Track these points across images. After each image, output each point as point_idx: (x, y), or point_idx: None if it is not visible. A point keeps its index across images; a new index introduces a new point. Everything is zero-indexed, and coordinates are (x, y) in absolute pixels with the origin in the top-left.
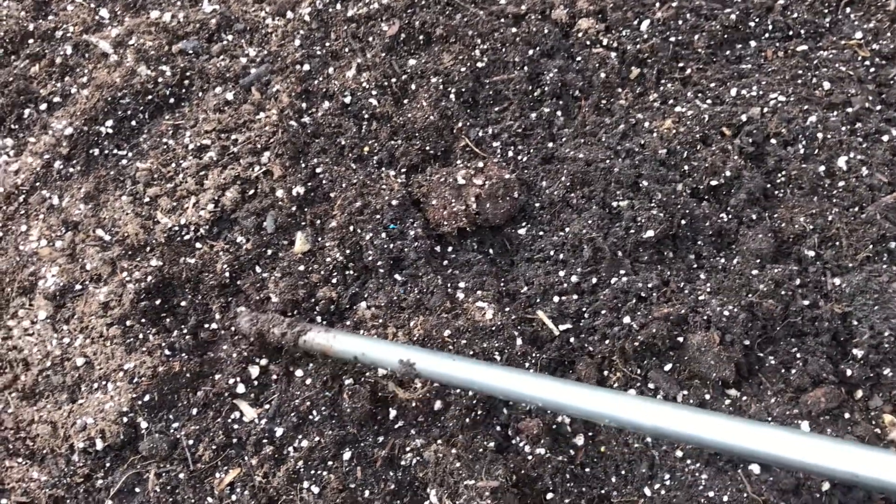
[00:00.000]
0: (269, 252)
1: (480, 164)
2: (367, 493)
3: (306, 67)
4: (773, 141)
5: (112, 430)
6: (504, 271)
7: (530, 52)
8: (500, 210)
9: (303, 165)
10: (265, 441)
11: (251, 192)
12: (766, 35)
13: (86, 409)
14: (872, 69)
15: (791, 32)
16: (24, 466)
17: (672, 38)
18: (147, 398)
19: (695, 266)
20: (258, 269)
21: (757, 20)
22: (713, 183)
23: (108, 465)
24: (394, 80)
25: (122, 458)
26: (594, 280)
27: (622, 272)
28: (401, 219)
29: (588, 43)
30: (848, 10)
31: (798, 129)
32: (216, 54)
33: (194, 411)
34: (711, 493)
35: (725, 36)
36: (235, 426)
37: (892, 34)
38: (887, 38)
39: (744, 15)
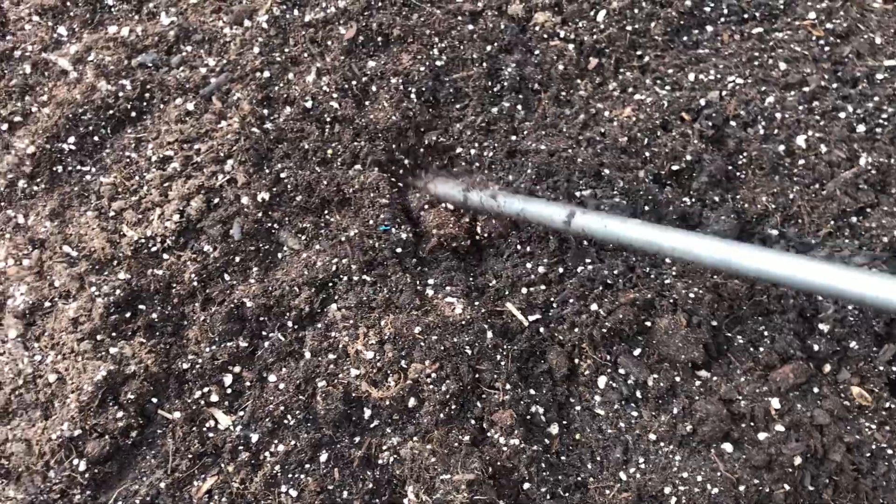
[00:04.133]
0: (237, 259)
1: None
2: (345, 493)
3: (266, 74)
4: (732, 123)
5: (91, 446)
6: (472, 266)
7: (488, 48)
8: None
9: (267, 171)
10: (241, 447)
11: (216, 200)
12: (722, 19)
13: (60, 425)
14: (827, 48)
15: (746, 15)
16: (0, 485)
17: (629, 27)
18: None
19: None
20: (227, 277)
21: (712, 5)
22: (675, 168)
23: (86, 478)
24: (354, 82)
25: (102, 472)
26: (561, 270)
27: (588, 260)
28: (392, 221)
29: (545, 36)
30: None
31: (756, 111)
32: (176, 66)
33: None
34: (685, 474)
35: (682, 22)
36: (211, 434)
37: (844, 13)
38: (840, 17)
39: (699, 0)
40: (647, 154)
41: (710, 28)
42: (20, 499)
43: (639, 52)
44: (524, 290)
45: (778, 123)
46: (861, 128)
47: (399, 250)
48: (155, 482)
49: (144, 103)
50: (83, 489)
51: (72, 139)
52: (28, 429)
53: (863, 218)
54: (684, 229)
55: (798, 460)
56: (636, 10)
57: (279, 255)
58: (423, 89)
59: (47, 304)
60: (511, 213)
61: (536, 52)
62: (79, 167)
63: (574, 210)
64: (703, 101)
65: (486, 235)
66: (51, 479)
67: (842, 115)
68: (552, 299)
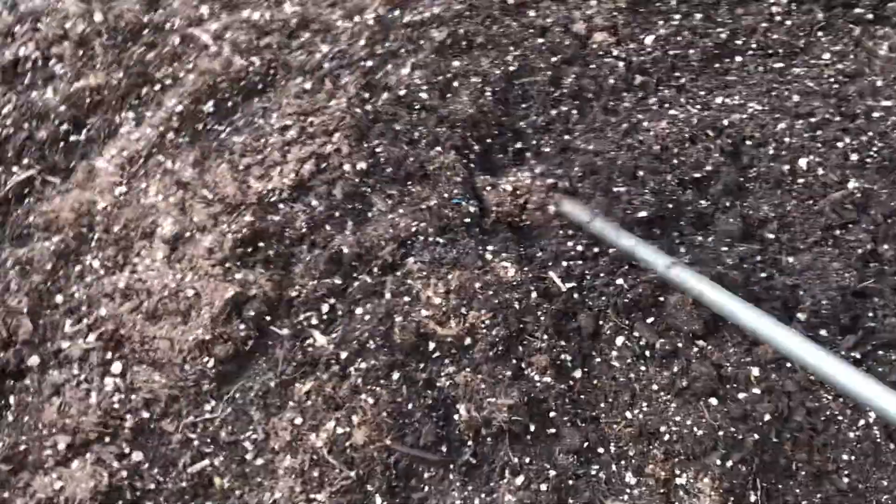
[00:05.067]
0: (337, 214)
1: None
2: (410, 405)
3: (370, 63)
4: (748, 142)
5: (218, 349)
6: (524, 239)
7: (553, 59)
8: None
9: (365, 145)
10: (332, 361)
11: (324, 165)
12: (750, 52)
13: (195, 330)
14: (836, 85)
15: (770, 51)
16: (148, 371)
17: (671, 52)
18: None
19: (677, 242)
20: (328, 227)
21: (743, 39)
22: (696, 175)
23: (213, 373)
24: (440, 77)
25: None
26: (596, 250)
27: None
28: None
29: (601, 53)
30: (820, 33)
31: (769, 134)
32: (295, 49)
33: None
34: (678, 418)
35: (715, 51)
36: (310, 349)
37: (854, 56)
38: (850, 60)
39: (732, 34)
40: (675, 161)
41: (738, 58)
42: (163, 383)
43: (677, 74)
44: (564, 263)
45: (786, 147)
46: (854, 157)
47: (467, 220)
48: (266, 381)
49: (269, 79)
50: (210, 381)
51: (210, 103)
52: (171, 330)
53: (845, 232)
54: (762, 310)
55: (767, 417)
56: (679, 38)
57: (369, 214)
58: (497, 89)
59: (187, 234)
60: (623, 247)
61: (592, 66)
62: (216, 126)
63: (675, 262)
64: (726, 122)
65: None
66: (186, 371)
67: (840, 144)
68: (586, 272)
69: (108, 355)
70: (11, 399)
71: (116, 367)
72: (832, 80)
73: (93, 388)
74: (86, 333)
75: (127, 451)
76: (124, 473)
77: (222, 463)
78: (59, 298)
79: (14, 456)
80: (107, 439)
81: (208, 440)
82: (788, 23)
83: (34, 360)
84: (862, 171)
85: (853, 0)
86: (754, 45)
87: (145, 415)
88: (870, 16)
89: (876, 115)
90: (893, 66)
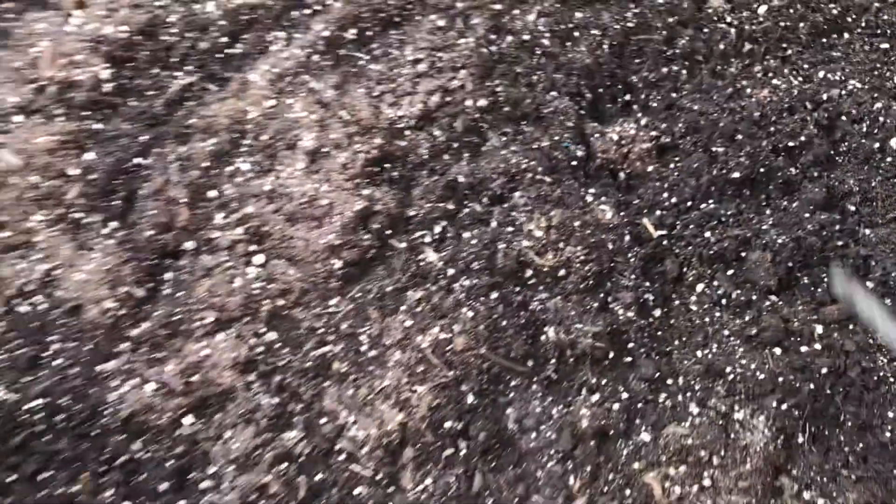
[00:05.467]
0: (455, 145)
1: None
2: (504, 322)
3: (498, 7)
4: (843, 118)
5: (345, 253)
6: (623, 187)
7: (669, 19)
8: None
9: (487, 84)
10: (440, 276)
11: (448, 99)
12: (858, 30)
13: (327, 235)
14: None
15: (879, 31)
16: (285, 265)
17: (781, 23)
18: None
19: (764, 204)
20: (446, 157)
21: (854, 17)
22: (790, 144)
23: (339, 274)
24: (562, 26)
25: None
26: (689, 203)
27: (710, 200)
28: (573, 141)
29: (715, 18)
30: None
31: (865, 111)
32: None
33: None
34: (743, 361)
35: (825, 27)
36: (422, 263)
37: None
38: None
39: (844, 11)
40: (772, 129)
41: (846, 35)
42: (297, 277)
43: (784, 45)
44: (658, 212)
45: (879, 125)
46: None
47: (574, 163)
48: (383, 286)
49: (406, 13)
50: (336, 280)
51: (353, 31)
52: (307, 232)
53: None
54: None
55: (824, 370)
56: (791, 10)
57: (483, 149)
58: (614, 43)
59: (325, 149)
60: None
61: (706, 30)
62: (355, 53)
63: None
64: (825, 96)
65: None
66: (317, 269)
67: None
68: (677, 223)
69: (252, 248)
70: (169, 276)
71: (258, 258)
72: None
73: (238, 273)
74: (234, 226)
75: (263, 330)
76: (260, 349)
77: (341, 350)
78: (212, 193)
79: (169, 324)
80: (247, 319)
81: (331, 330)
82: None
83: (189, 245)
84: None
85: None
86: (863, 24)
87: (280, 302)
88: None
89: None
90: None
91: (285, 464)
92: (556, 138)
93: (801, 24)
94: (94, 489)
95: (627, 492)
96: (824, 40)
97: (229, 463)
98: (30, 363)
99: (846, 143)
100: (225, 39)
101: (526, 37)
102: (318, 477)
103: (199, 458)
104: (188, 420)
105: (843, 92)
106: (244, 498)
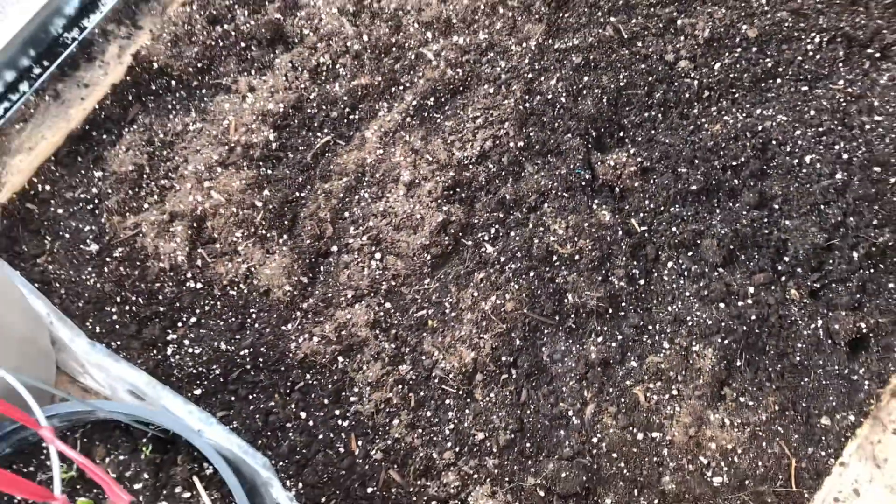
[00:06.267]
0: (503, 173)
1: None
2: (539, 291)
3: (530, 76)
4: (773, 142)
5: (433, 250)
6: (619, 197)
7: (649, 78)
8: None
9: (523, 131)
10: (496, 263)
11: (497, 143)
12: (787, 77)
13: (420, 238)
14: (843, 104)
15: (801, 77)
16: (394, 259)
17: (731, 75)
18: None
19: (714, 206)
20: (497, 182)
21: (783, 68)
22: (734, 163)
23: (429, 264)
24: (573, 87)
25: (435, 263)
26: (662, 208)
27: (676, 205)
28: (583, 167)
29: (682, 75)
30: (840, 65)
31: (789, 137)
32: (484, 64)
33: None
34: (699, 313)
35: (762, 76)
36: (483, 254)
37: (860, 83)
38: (857, 86)
39: (776, 63)
40: (721, 153)
41: (778, 81)
42: (402, 266)
43: (733, 91)
44: (641, 215)
45: (798, 147)
46: (845, 156)
47: (583, 183)
48: (458, 271)
49: (467, 84)
50: (428, 267)
51: (431, 99)
52: (407, 237)
53: (826, 207)
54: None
55: (753, 317)
56: (738, 65)
57: (522, 175)
58: (610, 97)
59: (417, 181)
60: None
61: (675, 84)
62: (434, 114)
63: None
64: (760, 127)
65: (625, 185)
66: (415, 261)
67: (836, 147)
68: (654, 221)
69: (373, 249)
70: (322, 268)
71: (377, 255)
72: (841, 100)
73: (365, 266)
74: (361, 235)
75: (383, 302)
76: (381, 314)
77: (433, 313)
78: (346, 214)
79: (325, 299)
80: (372, 294)
81: (426, 300)
82: (818, 57)
83: (334, 248)
84: (848, 167)
85: (867, 42)
86: (791, 73)
87: (392, 283)
88: (877, 54)
89: (868, 127)
90: (888, 91)
91: (400, 385)
92: (572, 166)
93: (745, 75)
94: (283, 404)
95: (622, 399)
96: (762, 85)
97: (367, 385)
98: (239, 327)
99: (774, 161)
100: (348, 109)
101: (549, 96)
102: (422, 393)
103: (347, 383)
104: (340, 359)
105: (774, 123)
106: (376, 407)
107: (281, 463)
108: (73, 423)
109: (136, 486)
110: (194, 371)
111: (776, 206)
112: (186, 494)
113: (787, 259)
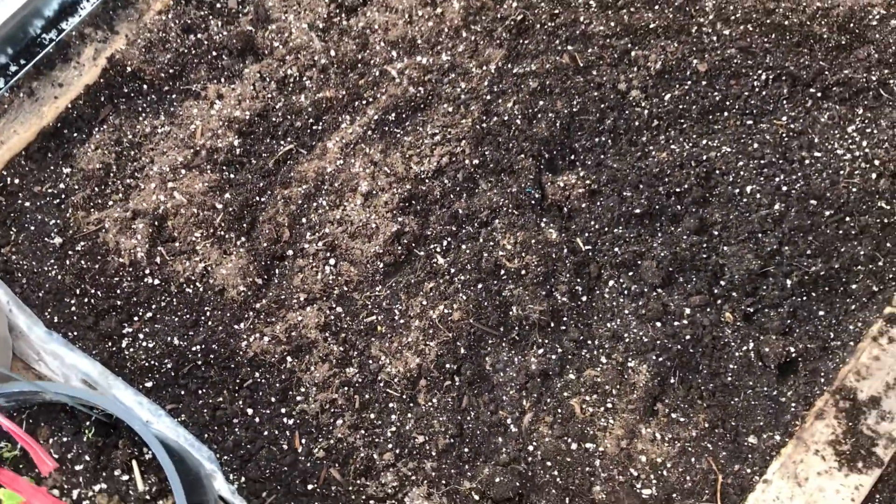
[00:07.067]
0: (457, 189)
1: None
2: (485, 303)
3: (488, 97)
4: (716, 171)
5: (385, 259)
6: (566, 217)
7: (602, 105)
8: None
9: (478, 149)
10: (446, 274)
11: (453, 159)
12: (734, 110)
13: (374, 247)
14: (785, 139)
15: (747, 111)
16: (348, 266)
17: (680, 106)
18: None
19: (655, 230)
20: (451, 197)
21: (730, 102)
22: (678, 189)
23: (381, 272)
24: (529, 111)
25: (387, 271)
26: (606, 229)
27: (620, 227)
28: (533, 187)
29: (634, 104)
30: (784, 102)
31: (731, 167)
32: (445, 84)
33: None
34: (636, 330)
35: (710, 108)
36: (433, 265)
37: (802, 120)
38: (799, 122)
39: (724, 98)
40: (666, 180)
41: (725, 114)
42: (355, 273)
43: (681, 121)
44: (586, 234)
45: (739, 177)
46: (784, 188)
47: (533, 202)
48: (409, 279)
49: (427, 102)
50: (380, 275)
51: (393, 114)
52: (362, 245)
53: (763, 236)
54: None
55: (688, 337)
56: (687, 97)
57: (476, 191)
58: (564, 121)
59: (374, 192)
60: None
61: (626, 111)
62: (394, 129)
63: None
64: (705, 157)
65: (573, 206)
66: (368, 268)
67: (776, 179)
68: (598, 241)
69: (328, 254)
70: (277, 271)
71: (332, 261)
72: (784, 135)
73: (319, 271)
74: (317, 241)
75: (334, 306)
76: (332, 317)
77: (382, 319)
78: (303, 220)
79: (278, 300)
80: (324, 298)
81: (376, 306)
82: (764, 93)
83: (290, 252)
84: (786, 199)
85: (809, 81)
86: (737, 107)
87: (345, 289)
88: (819, 94)
89: (807, 161)
90: (828, 129)
91: (346, 387)
92: (523, 185)
93: (694, 106)
94: (231, 400)
95: (559, 410)
96: (709, 117)
97: (313, 386)
98: (193, 324)
99: (717, 189)
100: (312, 120)
101: (505, 118)
102: (367, 396)
103: (294, 383)
104: (289, 359)
105: (718, 154)
106: (321, 407)
107: (226, 457)
108: (20, 402)
109: (77, 468)
110: (147, 364)
111: (715, 233)
112: (125, 477)
113: (723, 283)
